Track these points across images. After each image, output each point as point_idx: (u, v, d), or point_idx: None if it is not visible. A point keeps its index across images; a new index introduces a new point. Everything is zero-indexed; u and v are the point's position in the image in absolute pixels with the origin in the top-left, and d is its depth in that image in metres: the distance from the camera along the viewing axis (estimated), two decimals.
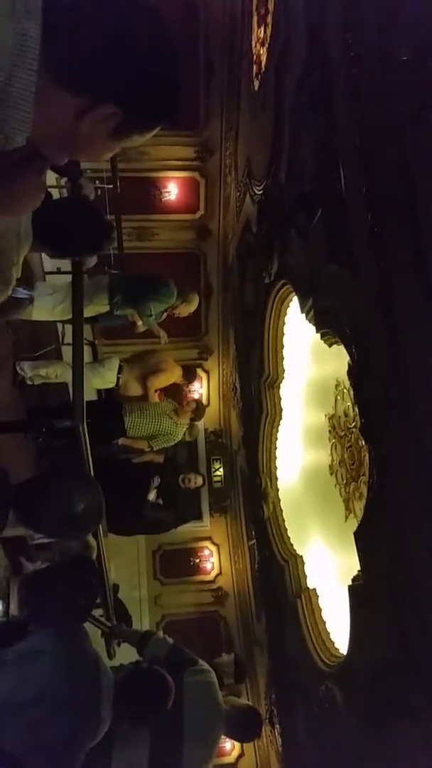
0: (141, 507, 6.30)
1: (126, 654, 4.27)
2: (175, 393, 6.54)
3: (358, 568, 3.82)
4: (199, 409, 6.46)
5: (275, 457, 6.56)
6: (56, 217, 2.72)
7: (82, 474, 2.56)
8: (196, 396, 6.73)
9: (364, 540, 3.71)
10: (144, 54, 1.03)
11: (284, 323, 5.87)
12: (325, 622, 5.24)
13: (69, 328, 5.13)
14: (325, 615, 5.30)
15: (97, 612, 4.58)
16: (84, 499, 2.22)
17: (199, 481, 7.43)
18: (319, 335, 4.26)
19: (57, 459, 5.20)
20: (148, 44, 1.04)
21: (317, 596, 5.46)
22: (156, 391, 5.98)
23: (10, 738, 2.16)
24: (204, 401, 8.80)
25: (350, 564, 4.13)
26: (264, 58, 5.46)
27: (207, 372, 9.46)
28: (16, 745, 2.14)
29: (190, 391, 6.47)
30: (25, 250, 2.36)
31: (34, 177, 1.17)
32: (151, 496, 6.36)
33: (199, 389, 9.24)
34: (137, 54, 1.03)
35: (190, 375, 6.57)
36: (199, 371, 8.82)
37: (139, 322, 5.63)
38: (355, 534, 3.79)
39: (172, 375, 6.17)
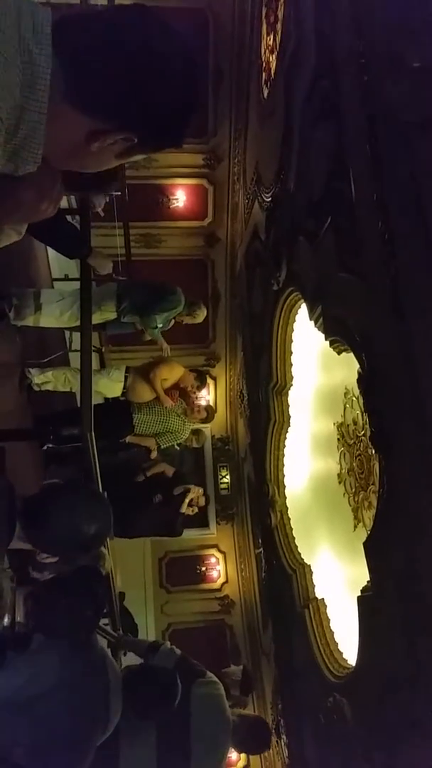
0: (150, 509, 6.30)
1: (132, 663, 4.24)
2: (185, 398, 6.52)
3: (367, 578, 3.78)
4: (209, 415, 6.46)
5: (283, 465, 6.53)
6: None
7: (92, 494, 2.54)
8: (203, 403, 6.70)
9: (373, 550, 3.68)
10: (171, 85, 1.01)
11: (293, 330, 5.85)
12: (333, 633, 5.19)
13: (77, 335, 5.13)
14: (333, 625, 5.25)
15: (103, 621, 4.55)
16: (92, 523, 2.20)
17: (202, 501, 7.30)
18: (327, 343, 4.24)
19: (66, 475, 5.19)
20: (177, 75, 1.02)
21: (325, 606, 5.41)
22: (165, 391, 5.95)
23: (18, 735, 2.14)
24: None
25: (359, 574, 4.09)
26: (273, 66, 5.46)
27: (214, 379, 9.46)
28: (24, 741, 2.12)
29: (198, 397, 6.44)
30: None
31: (47, 186, 1.17)
32: (186, 501, 6.38)
33: (206, 396, 9.23)
34: (163, 84, 1.00)
35: (200, 379, 6.53)
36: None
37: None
38: (365, 544, 3.75)
39: (173, 369, 6.14)
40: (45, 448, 5.64)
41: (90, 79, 0.97)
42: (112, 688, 2.47)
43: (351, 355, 3.84)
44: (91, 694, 2.40)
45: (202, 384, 6.56)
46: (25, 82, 0.92)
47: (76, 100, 0.98)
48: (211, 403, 9.41)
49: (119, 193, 6.61)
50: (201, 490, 6.96)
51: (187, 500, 6.51)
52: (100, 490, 3.97)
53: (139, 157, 1.15)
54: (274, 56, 5.45)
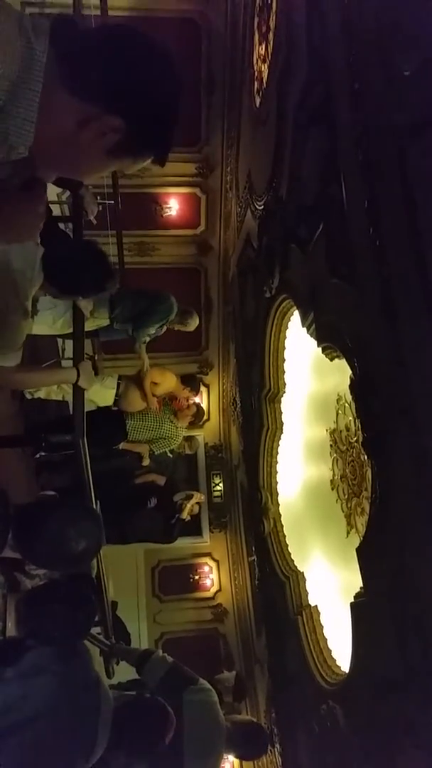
0: (143, 514, 6.30)
1: (124, 672, 4.22)
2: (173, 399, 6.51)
3: (360, 584, 3.77)
4: (199, 412, 6.47)
5: (276, 472, 6.53)
6: (64, 261, 2.86)
7: (84, 509, 2.55)
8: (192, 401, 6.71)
9: (366, 556, 3.67)
10: (154, 79, 1.09)
11: (285, 337, 5.86)
12: (326, 640, 5.17)
13: (69, 342, 5.13)
14: (326, 632, 5.24)
15: (96, 630, 4.53)
16: (83, 539, 2.20)
17: (196, 509, 7.32)
18: (320, 349, 4.25)
19: (58, 483, 5.17)
20: (158, 74, 1.10)
21: (318, 613, 5.40)
22: (155, 396, 5.96)
23: (4, 754, 2.13)
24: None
25: (352, 580, 4.08)
26: (265, 75, 5.50)
27: (207, 386, 9.47)
28: (10, 761, 2.10)
29: (190, 401, 6.47)
30: (35, 288, 2.48)
31: (35, 205, 1.20)
32: (187, 507, 6.39)
33: (199, 402, 9.24)
34: (149, 77, 1.08)
35: (194, 384, 6.54)
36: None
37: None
38: (358, 550, 3.75)
39: (165, 374, 6.17)
40: (38, 456, 5.63)
41: (81, 62, 1.04)
42: (102, 722, 2.45)
43: (343, 361, 3.85)
44: (81, 726, 2.38)
45: (194, 388, 6.57)
46: (23, 64, 0.97)
47: (67, 81, 1.03)
48: (204, 409, 9.41)
49: (112, 202, 6.65)
50: (203, 496, 6.96)
51: (189, 505, 6.50)
52: (93, 496, 3.97)
53: (132, 167, 1.19)
54: (266, 65, 5.49)
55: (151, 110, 1.10)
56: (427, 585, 2.90)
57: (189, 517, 6.69)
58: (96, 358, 7.21)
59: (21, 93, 0.98)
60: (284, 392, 6.16)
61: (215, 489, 9.80)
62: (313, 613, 5.42)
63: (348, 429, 5.14)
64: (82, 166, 1.17)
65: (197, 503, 6.89)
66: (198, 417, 6.57)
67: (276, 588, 6.07)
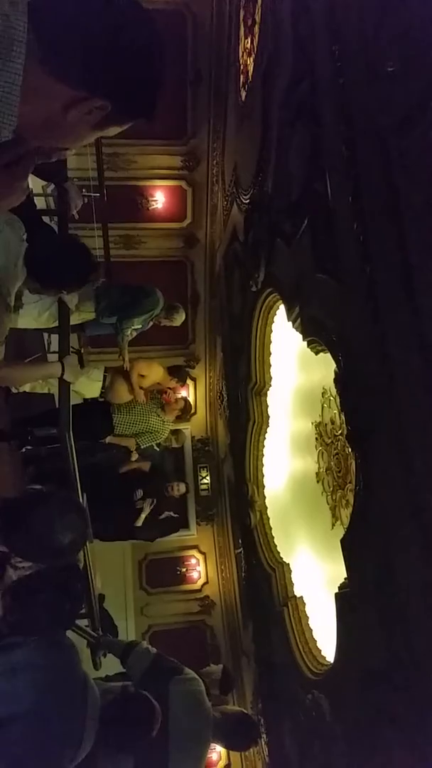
0: (128, 512, 6.33)
1: (111, 664, 4.24)
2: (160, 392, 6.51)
3: (345, 575, 3.81)
4: (187, 407, 6.48)
5: (262, 465, 6.56)
6: (47, 256, 2.88)
7: (70, 503, 2.57)
8: (179, 395, 6.72)
9: (350, 547, 3.71)
10: (139, 52, 1.06)
11: (271, 331, 5.88)
12: (312, 630, 5.22)
13: (56, 336, 5.12)
14: (312, 623, 5.29)
15: (83, 622, 4.54)
16: (69, 532, 2.21)
17: (182, 488, 7.40)
18: (305, 343, 4.28)
19: (45, 482, 5.17)
20: (143, 43, 1.07)
21: (304, 604, 5.45)
22: (142, 388, 5.97)
23: None
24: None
25: (337, 571, 4.12)
26: (251, 69, 5.50)
27: (194, 380, 9.48)
28: None
29: (177, 393, 6.48)
30: (18, 284, 2.48)
31: (19, 179, 1.18)
32: (143, 515, 6.40)
33: (186, 396, 9.25)
34: (133, 51, 1.05)
35: (181, 375, 6.55)
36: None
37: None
38: (342, 541, 3.78)
39: (152, 366, 6.18)
40: (23, 450, 5.62)
41: (63, 45, 1.00)
42: (89, 718, 2.47)
43: (328, 355, 3.88)
44: (68, 722, 2.40)
45: (182, 380, 6.57)
46: (3, 44, 0.93)
47: (51, 66, 1.00)
48: (191, 403, 9.42)
49: (97, 195, 6.63)
50: (154, 501, 6.91)
51: (143, 515, 6.55)
52: (79, 490, 3.98)
53: (114, 131, 1.17)
54: (251, 59, 5.49)
55: (138, 87, 1.08)
56: (410, 576, 2.94)
57: (171, 514, 6.73)
58: (82, 351, 7.20)
59: (1, 75, 0.94)
60: (270, 386, 6.19)
61: (202, 482, 9.83)
62: (298, 604, 5.46)
63: (333, 422, 5.17)
64: (67, 140, 1.16)
65: (182, 484, 6.98)
66: (185, 411, 6.59)
67: (262, 580, 6.11)
